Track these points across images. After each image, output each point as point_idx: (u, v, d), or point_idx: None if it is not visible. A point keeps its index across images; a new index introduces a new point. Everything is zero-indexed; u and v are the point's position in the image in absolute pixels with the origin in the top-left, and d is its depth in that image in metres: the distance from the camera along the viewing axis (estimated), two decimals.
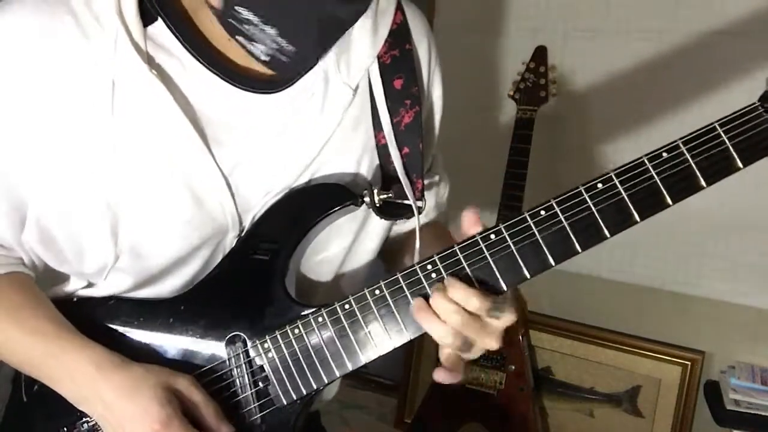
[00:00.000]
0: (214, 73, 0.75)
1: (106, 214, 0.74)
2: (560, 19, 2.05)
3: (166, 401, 0.73)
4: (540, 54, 1.99)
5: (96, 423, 0.79)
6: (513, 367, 2.04)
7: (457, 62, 2.22)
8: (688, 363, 1.98)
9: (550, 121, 2.06)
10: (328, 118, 0.79)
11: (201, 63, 0.75)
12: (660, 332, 2.04)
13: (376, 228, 0.88)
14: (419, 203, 0.83)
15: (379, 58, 0.81)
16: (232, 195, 0.78)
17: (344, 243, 0.86)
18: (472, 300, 0.69)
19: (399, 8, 0.83)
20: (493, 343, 0.72)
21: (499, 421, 2.07)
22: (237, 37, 0.68)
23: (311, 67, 0.74)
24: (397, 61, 0.82)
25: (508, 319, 0.73)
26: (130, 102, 0.72)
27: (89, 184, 0.73)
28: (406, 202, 0.82)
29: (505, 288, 0.72)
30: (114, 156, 0.73)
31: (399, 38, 0.82)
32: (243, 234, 0.80)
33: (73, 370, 0.75)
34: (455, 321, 0.70)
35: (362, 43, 0.79)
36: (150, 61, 0.73)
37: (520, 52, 2.04)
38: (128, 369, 0.75)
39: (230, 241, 0.81)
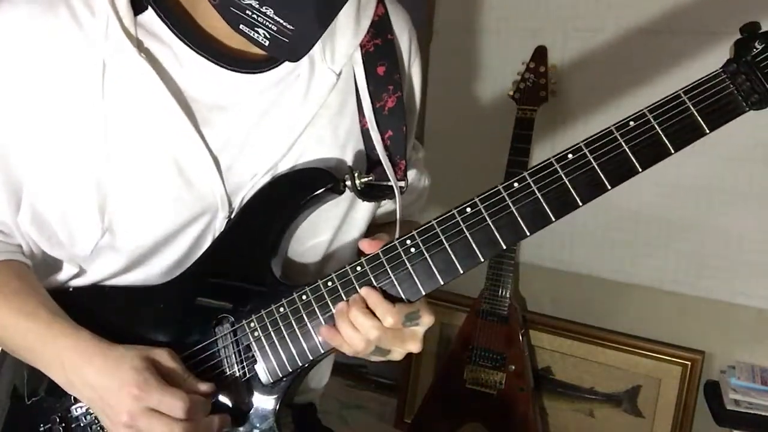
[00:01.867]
0: (203, 56, 0.78)
1: (95, 191, 0.77)
2: (560, 19, 2.05)
3: (143, 368, 0.75)
4: (540, 54, 1.99)
5: (88, 407, 0.82)
6: (513, 367, 2.04)
7: (457, 62, 2.23)
8: (688, 363, 1.97)
9: (550, 121, 2.07)
10: (311, 101, 0.82)
11: (190, 47, 0.78)
12: (660, 332, 2.03)
13: (363, 212, 0.90)
14: (401, 183, 0.86)
15: (362, 46, 0.85)
16: (221, 174, 0.80)
17: (331, 227, 0.89)
18: (388, 318, 0.74)
19: (381, 1, 0.87)
20: (414, 348, 0.77)
21: (499, 421, 2.07)
22: (240, 26, 0.71)
23: (311, 47, 0.76)
24: (379, 49, 0.86)
25: (426, 323, 0.77)
26: (121, 84, 0.76)
27: (80, 163, 0.76)
28: (387, 183, 0.85)
29: (482, 259, 0.74)
30: (104, 135, 0.76)
31: (381, 28, 0.87)
32: (232, 217, 0.83)
33: (62, 357, 0.78)
34: (374, 336, 0.74)
35: (346, 32, 0.83)
36: (140, 46, 0.76)
37: (520, 52, 2.05)
38: (110, 350, 0.77)
39: (221, 222, 0.83)
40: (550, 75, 1.98)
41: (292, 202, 0.83)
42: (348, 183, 0.82)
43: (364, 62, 0.85)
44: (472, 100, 2.22)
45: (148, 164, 0.78)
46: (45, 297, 0.83)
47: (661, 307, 2.03)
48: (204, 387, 0.79)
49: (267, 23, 0.69)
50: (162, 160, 0.78)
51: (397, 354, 0.79)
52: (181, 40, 0.78)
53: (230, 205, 0.82)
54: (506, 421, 2.06)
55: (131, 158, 0.77)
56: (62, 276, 0.86)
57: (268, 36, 0.70)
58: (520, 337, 2.06)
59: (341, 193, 0.84)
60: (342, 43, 0.83)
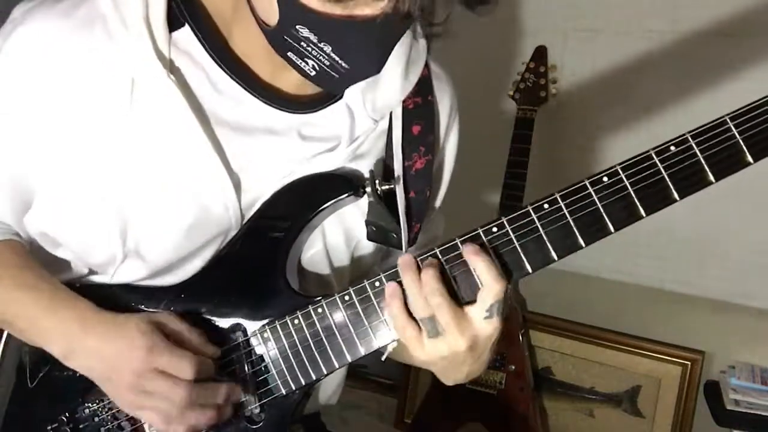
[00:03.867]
0: (237, 81, 0.77)
1: (116, 214, 0.76)
2: (560, 19, 2.05)
3: (149, 330, 0.75)
4: (540, 54, 1.99)
5: (97, 409, 0.81)
6: (513, 367, 2.04)
7: (458, 62, 2.22)
8: (688, 363, 1.97)
9: (550, 121, 2.06)
10: (343, 148, 0.81)
11: (224, 71, 0.77)
12: (660, 332, 2.03)
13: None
14: (411, 249, 0.85)
15: (402, 103, 0.83)
16: (239, 197, 0.79)
17: (346, 236, 0.87)
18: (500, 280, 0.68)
19: (426, 63, 0.85)
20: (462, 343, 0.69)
21: (500, 421, 2.07)
22: (289, 54, 0.69)
23: (356, 83, 0.75)
24: (418, 108, 0.84)
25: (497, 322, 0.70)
26: (147, 104, 0.74)
27: (101, 184, 0.75)
28: (399, 251, 0.83)
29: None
30: (127, 157, 0.75)
31: (423, 88, 0.85)
32: (244, 224, 0.81)
33: (65, 325, 0.77)
34: (435, 302, 0.69)
35: (392, 86, 0.81)
36: (171, 66, 0.75)
37: (520, 52, 2.04)
38: (113, 316, 0.77)
39: (231, 236, 0.82)
40: (550, 75, 1.98)
41: (308, 209, 0.81)
42: (368, 189, 0.81)
43: (402, 118, 0.83)
44: (472, 100, 2.21)
45: (166, 188, 0.76)
46: (44, 272, 0.82)
47: (661, 307, 2.03)
48: (210, 350, 0.78)
49: (320, 57, 0.68)
50: (180, 185, 0.77)
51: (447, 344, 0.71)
52: (215, 61, 0.76)
53: (243, 220, 0.81)
54: (506, 421, 2.06)
55: (150, 181, 0.76)
56: (73, 275, 0.85)
57: (317, 68, 0.69)
58: (520, 337, 2.06)
59: (360, 197, 0.82)
60: (386, 95, 0.81)
